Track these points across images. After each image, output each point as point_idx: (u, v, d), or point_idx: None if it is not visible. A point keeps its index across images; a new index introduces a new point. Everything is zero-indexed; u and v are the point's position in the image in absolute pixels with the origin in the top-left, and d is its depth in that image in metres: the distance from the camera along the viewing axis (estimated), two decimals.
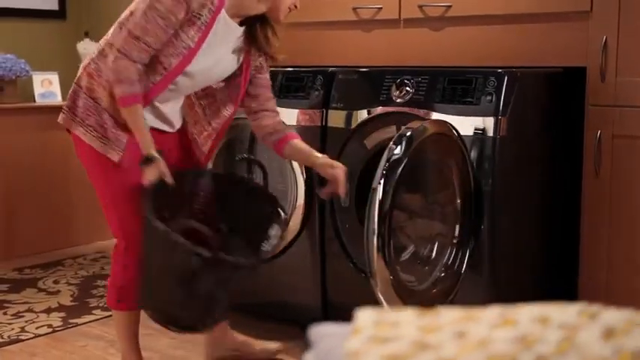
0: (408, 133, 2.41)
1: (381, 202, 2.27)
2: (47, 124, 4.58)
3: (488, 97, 2.64)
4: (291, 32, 3.63)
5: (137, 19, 2.30)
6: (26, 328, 3.23)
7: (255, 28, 2.54)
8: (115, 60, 2.30)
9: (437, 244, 2.64)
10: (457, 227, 2.60)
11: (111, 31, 2.45)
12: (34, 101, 4.67)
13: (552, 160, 2.93)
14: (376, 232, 2.26)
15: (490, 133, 2.62)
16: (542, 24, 2.95)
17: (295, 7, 2.51)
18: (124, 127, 2.38)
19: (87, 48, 4.88)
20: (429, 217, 2.74)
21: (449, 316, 0.90)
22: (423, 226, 2.75)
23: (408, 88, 2.81)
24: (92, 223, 4.75)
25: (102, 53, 2.44)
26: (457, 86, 2.71)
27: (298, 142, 2.64)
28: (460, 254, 2.61)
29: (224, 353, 2.88)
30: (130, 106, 2.31)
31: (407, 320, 0.90)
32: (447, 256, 2.61)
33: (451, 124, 2.59)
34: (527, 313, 0.88)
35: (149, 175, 2.30)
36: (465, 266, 2.62)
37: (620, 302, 2.87)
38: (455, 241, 2.61)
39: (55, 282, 3.89)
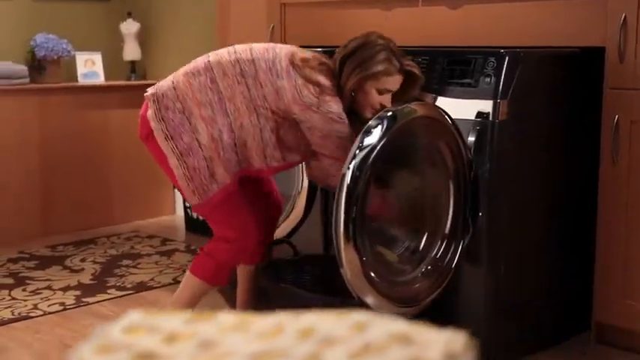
0: (389, 114, 2.28)
1: (349, 188, 2.15)
2: (89, 104, 4.63)
3: (487, 79, 2.49)
4: (310, 11, 3.56)
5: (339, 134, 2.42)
6: (39, 306, 3.26)
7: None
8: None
9: (427, 234, 2.51)
10: (450, 217, 2.46)
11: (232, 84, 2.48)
12: (77, 81, 4.72)
13: (564, 146, 2.74)
14: (343, 219, 2.15)
15: (489, 117, 2.48)
16: (559, 1, 2.77)
17: (382, 106, 2.44)
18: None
19: (129, 28, 4.92)
20: (421, 206, 2.60)
21: (218, 323, 0.81)
22: (415, 215, 2.61)
23: None
24: (130, 202, 4.79)
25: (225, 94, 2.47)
26: (456, 67, 2.57)
27: None
28: (452, 248, 2.47)
29: None
30: None
31: (167, 326, 0.81)
32: (436, 249, 2.47)
33: (441, 108, 2.45)
34: (300, 322, 0.78)
35: None
36: (455, 261, 2.48)
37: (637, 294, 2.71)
38: (446, 232, 2.47)
39: (82, 260, 3.93)
